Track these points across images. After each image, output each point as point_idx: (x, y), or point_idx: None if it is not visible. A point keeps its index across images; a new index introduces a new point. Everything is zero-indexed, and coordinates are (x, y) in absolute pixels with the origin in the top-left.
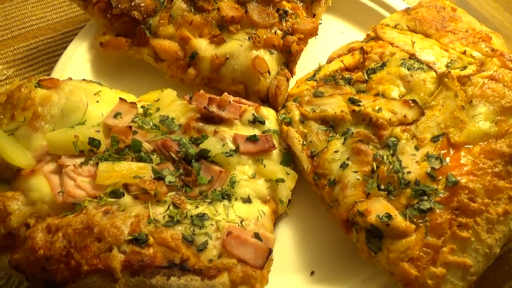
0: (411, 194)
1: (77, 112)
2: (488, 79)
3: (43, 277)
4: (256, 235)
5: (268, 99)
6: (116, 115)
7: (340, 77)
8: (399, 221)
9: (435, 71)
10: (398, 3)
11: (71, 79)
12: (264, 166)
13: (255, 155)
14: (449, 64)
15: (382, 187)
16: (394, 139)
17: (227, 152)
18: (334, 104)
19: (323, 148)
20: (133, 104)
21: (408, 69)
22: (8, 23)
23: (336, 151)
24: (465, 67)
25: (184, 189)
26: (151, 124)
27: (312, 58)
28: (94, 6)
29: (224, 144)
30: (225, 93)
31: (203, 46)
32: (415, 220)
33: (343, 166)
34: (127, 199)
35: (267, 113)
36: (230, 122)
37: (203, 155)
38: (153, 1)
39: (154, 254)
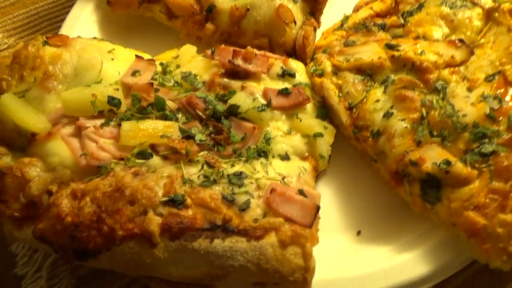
0: (470, 138)
1: (91, 71)
2: None
3: (72, 246)
4: (301, 192)
5: (295, 52)
6: (134, 72)
7: (372, 23)
8: (460, 167)
9: (481, 7)
10: None
11: (81, 37)
12: (300, 121)
13: (288, 109)
14: None
15: (435, 133)
16: (443, 82)
17: (259, 107)
18: (370, 52)
19: (362, 99)
20: (152, 61)
21: (450, 7)
22: None
23: (377, 101)
24: None
25: (216, 148)
26: (173, 81)
27: (336, 8)
28: None
29: (254, 99)
30: (249, 47)
31: None
32: (477, 165)
33: (387, 115)
34: (156, 160)
35: (296, 65)
36: (257, 76)
37: (233, 112)
38: None
39: (194, 215)
